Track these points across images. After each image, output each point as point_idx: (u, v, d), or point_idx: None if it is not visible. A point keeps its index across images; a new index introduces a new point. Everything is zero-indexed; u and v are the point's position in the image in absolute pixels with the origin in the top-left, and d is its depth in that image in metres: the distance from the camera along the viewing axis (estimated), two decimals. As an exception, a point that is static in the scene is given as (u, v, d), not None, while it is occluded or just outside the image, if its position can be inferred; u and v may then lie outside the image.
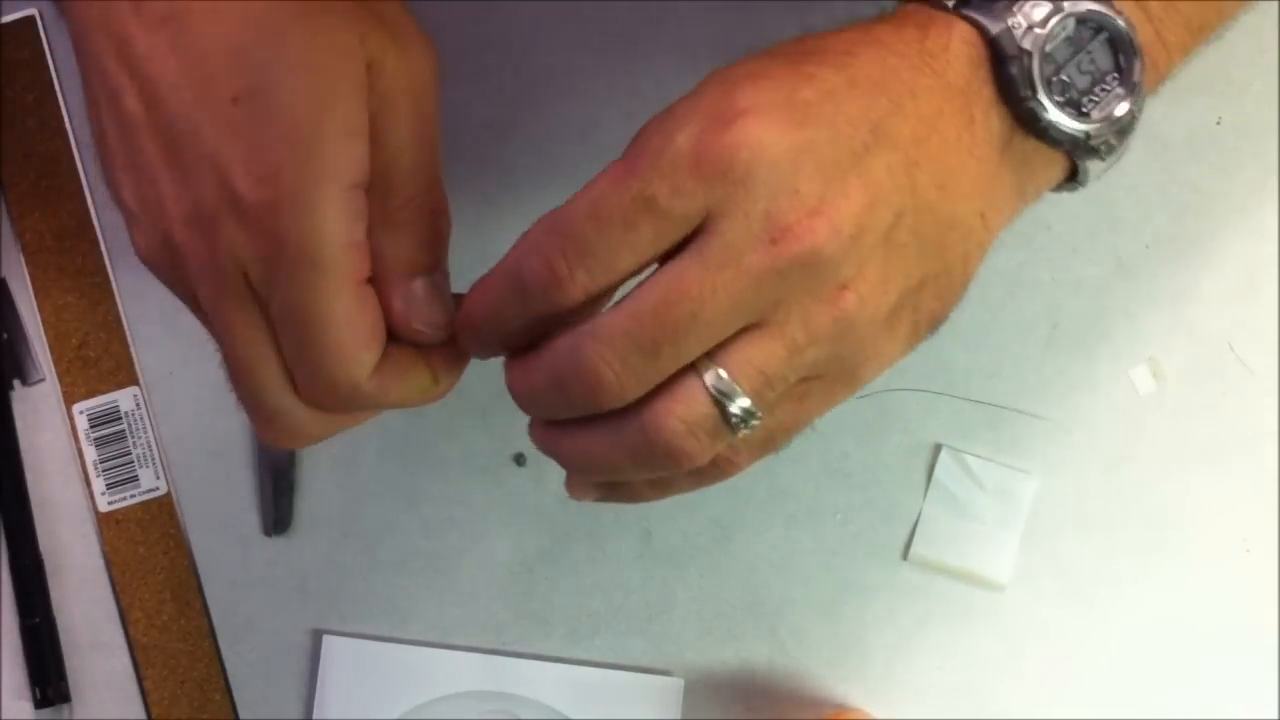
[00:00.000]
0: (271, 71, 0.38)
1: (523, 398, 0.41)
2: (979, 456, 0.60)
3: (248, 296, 0.39)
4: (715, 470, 0.41)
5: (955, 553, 0.60)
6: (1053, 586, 0.60)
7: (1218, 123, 0.61)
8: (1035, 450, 0.60)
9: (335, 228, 0.38)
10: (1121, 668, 0.60)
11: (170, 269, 0.41)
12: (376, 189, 0.40)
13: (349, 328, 0.39)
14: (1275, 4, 0.60)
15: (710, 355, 0.38)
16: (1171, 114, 0.60)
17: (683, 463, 0.39)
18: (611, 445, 0.40)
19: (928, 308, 0.41)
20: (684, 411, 0.38)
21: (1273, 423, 0.60)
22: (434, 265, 0.42)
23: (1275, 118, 0.60)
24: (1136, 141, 0.61)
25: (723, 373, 0.38)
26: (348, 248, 0.39)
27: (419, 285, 0.41)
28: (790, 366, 0.38)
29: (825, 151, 0.37)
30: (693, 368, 0.38)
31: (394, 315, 0.41)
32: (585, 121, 0.60)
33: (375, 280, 0.41)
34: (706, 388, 0.38)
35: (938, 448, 0.60)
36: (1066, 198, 0.60)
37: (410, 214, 0.41)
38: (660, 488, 0.43)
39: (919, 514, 0.60)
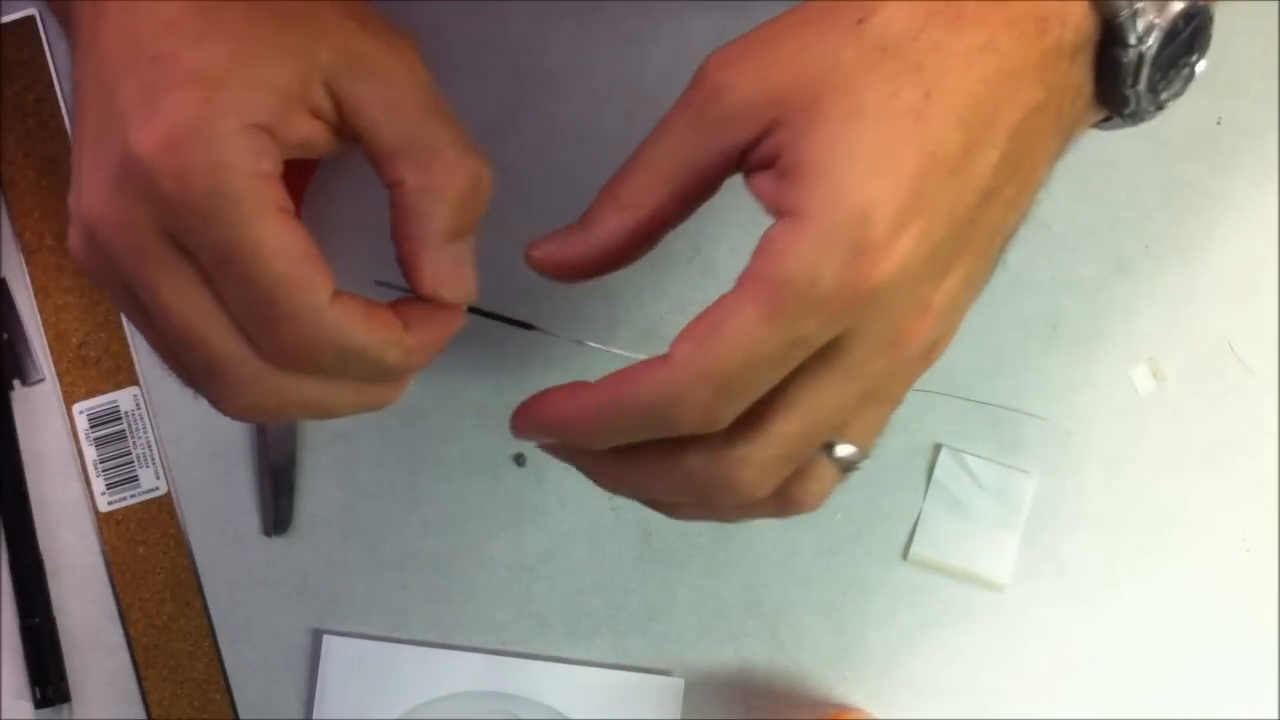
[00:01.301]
0: (196, 36, 0.38)
1: (630, 493, 0.42)
2: (979, 456, 0.60)
3: (170, 255, 0.39)
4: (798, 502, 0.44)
5: (955, 553, 0.60)
6: (1053, 586, 0.60)
7: (1218, 123, 0.61)
8: (1035, 450, 0.60)
9: (236, 158, 0.37)
10: (1121, 668, 0.60)
11: (96, 258, 0.40)
12: (412, 152, 0.40)
13: (285, 253, 0.38)
14: (1275, 4, 0.60)
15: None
16: (1171, 114, 0.60)
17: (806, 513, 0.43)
18: (740, 514, 0.43)
19: (981, 291, 0.43)
20: (819, 488, 0.42)
21: (1273, 423, 0.60)
22: (468, 232, 0.42)
23: (1275, 118, 0.60)
24: (1136, 141, 0.61)
25: (844, 444, 0.41)
26: (255, 177, 0.38)
27: (453, 250, 0.41)
28: (889, 410, 0.42)
29: (945, 249, 0.38)
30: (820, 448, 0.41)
31: (421, 278, 0.41)
32: (585, 121, 0.60)
33: (407, 247, 0.41)
34: (834, 461, 0.41)
35: (938, 448, 0.60)
36: (1066, 198, 0.60)
37: (447, 175, 0.41)
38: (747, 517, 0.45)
39: (919, 514, 0.60)
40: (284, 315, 0.38)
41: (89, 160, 0.39)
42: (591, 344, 0.45)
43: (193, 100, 0.37)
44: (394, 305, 0.42)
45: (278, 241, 0.38)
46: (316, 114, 0.40)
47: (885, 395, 0.41)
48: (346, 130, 0.41)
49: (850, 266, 0.36)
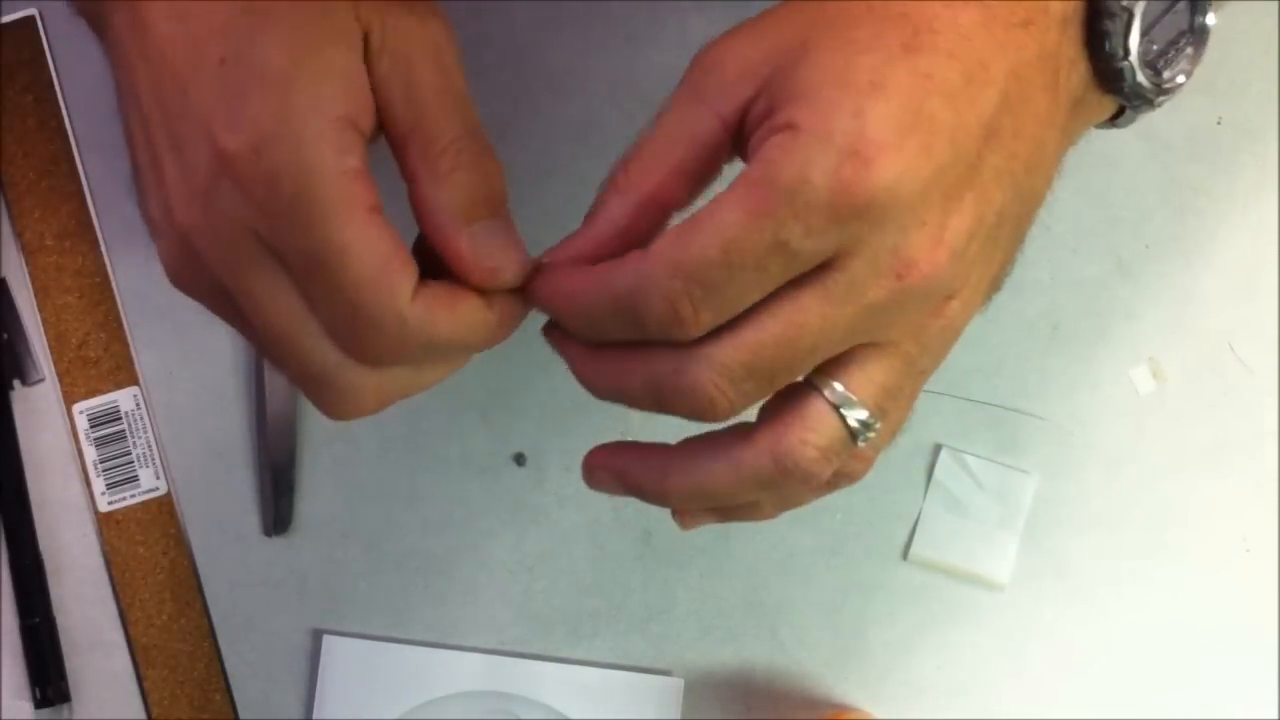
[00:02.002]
0: (252, 34, 0.38)
1: (603, 390, 0.41)
2: (979, 456, 0.60)
3: (266, 262, 0.38)
4: (845, 479, 0.42)
5: (955, 553, 0.60)
6: (1053, 586, 0.60)
7: (1218, 123, 0.61)
8: (1035, 450, 0.60)
9: (322, 158, 0.37)
10: (1121, 668, 0.60)
11: (192, 269, 0.40)
12: (415, 140, 0.40)
13: (369, 254, 0.38)
14: (1275, 4, 0.60)
15: (826, 372, 0.39)
16: (1171, 114, 0.60)
17: (812, 482, 0.40)
18: (737, 477, 0.40)
19: (1002, 276, 0.41)
20: (817, 438, 0.39)
21: (1273, 423, 0.60)
22: (492, 212, 0.41)
23: (1275, 118, 0.60)
24: (1136, 141, 0.61)
25: (846, 391, 0.39)
26: (341, 175, 0.37)
27: (480, 228, 0.41)
28: (906, 377, 0.39)
29: (950, 174, 0.37)
30: (812, 387, 0.39)
31: (463, 260, 0.40)
32: (585, 121, 0.60)
33: (436, 232, 0.40)
34: (835, 410, 0.39)
35: (938, 448, 0.60)
36: (1066, 198, 0.60)
37: (454, 161, 0.40)
38: (783, 504, 0.43)
39: (919, 514, 0.60)
40: (367, 319, 0.38)
41: (173, 172, 0.39)
42: None
43: (271, 102, 0.37)
44: (476, 293, 0.41)
45: (361, 244, 0.38)
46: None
47: (897, 352, 0.39)
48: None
49: (845, 168, 0.35)
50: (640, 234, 0.40)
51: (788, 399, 0.39)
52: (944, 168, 0.36)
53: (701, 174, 0.40)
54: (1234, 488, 0.60)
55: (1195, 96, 0.61)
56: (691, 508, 0.43)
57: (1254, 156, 0.61)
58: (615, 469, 0.43)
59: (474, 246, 0.40)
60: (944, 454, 0.60)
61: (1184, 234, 0.61)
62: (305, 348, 0.39)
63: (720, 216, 0.36)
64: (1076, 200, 0.60)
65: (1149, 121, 0.58)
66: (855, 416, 0.39)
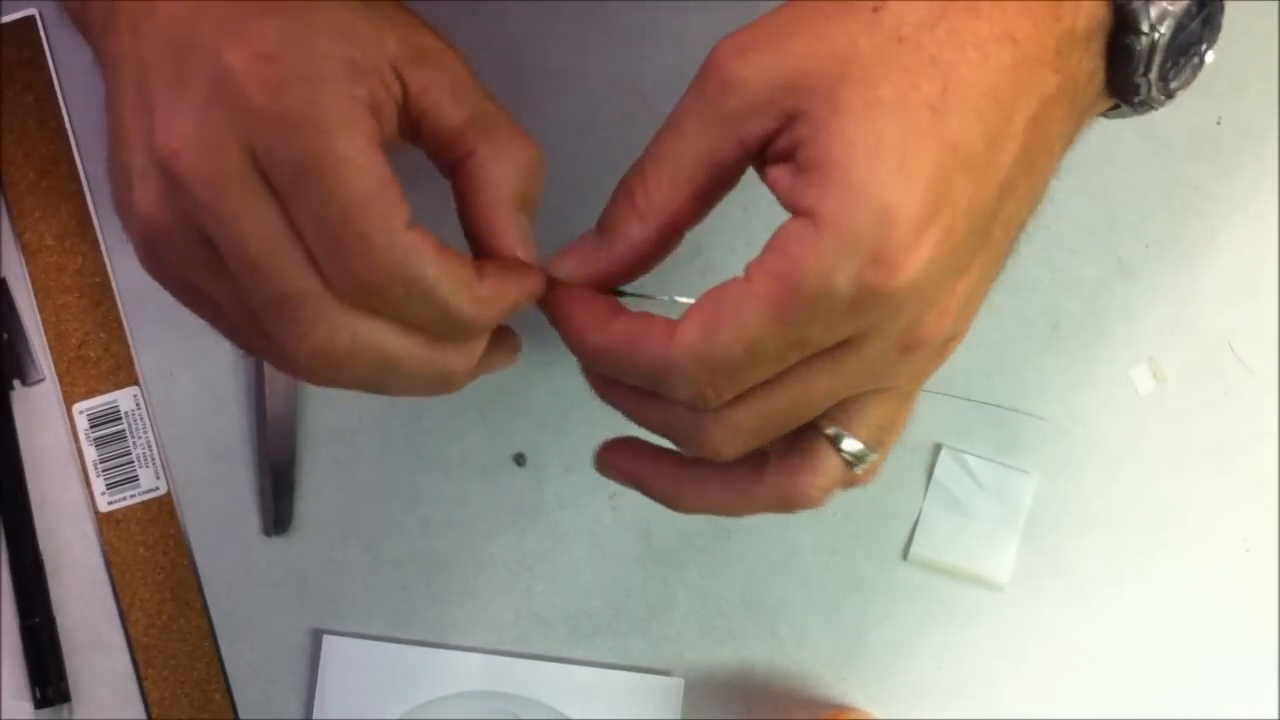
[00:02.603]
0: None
1: (613, 404, 0.42)
2: (979, 456, 0.60)
3: (253, 180, 0.37)
4: (853, 486, 0.44)
5: (955, 553, 0.60)
6: (1053, 586, 0.60)
7: (1218, 123, 0.61)
8: (1035, 450, 0.60)
9: (332, 74, 0.37)
10: (1121, 668, 0.60)
11: (171, 207, 0.38)
12: (477, 126, 0.41)
13: (367, 173, 0.37)
14: (1275, 4, 0.60)
15: (829, 415, 0.40)
16: (1171, 114, 0.60)
17: (810, 508, 0.42)
18: (745, 505, 0.42)
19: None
20: (824, 481, 0.41)
21: (1273, 423, 0.60)
22: (531, 210, 0.42)
23: (1275, 118, 0.60)
24: (1136, 141, 0.61)
25: (847, 434, 0.41)
26: (350, 98, 0.37)
27: (523, 220, 0.41)
28: (902, 409, 0.41)
29: (964, 249, 0.37)
30: (818, 432, 0.41)
31: (504, 240, 0.41)
32: (585, 121, 0.60)
33: (485, 210, 0.41)
34: (839, 454, 0.41)
35: (938, 448, 0.60)
36: (1066, 198, 0.60)
37: (518, 146, 0.41)
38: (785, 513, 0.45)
39: (919, 514, 0.60)
40: (357, 234, 0.37)
41: (164, 101, 0.38)
42: (679, 298, 0.43)
43: (288, 20, 0.37)
44: (469, 258, 0.40)
45: (362, 159, 0.37)
46: (389, 94, 0.40)
47: (897, 392, 0.41)
48: (408, 118, 0.41)
49: (868, 273, 0.35)
50: (658, 255, 0.41)
51: (795, 440, 0.41)
52: (959, 245, 0.37)
53: (720, 194, 0.40)
54: (1234, 488, 0.60)
55: (1195, 96, 0.60)
56: (700, 513, 0.45)
57: (1254, 156, 0.61)
58: (629, 473, 0.44)
59: (516, 234, 0.41)
60: (944, 454, 0.60)
61: (1184, 234, 0.61)
62: (283, 271, 0.38)
63: (744, 317, 0.36)
64: (1076, 200, 0.60)
65: (1149, 121, 0.59)
66: (853, 453, 0.41)
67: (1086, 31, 0.38)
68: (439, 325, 0.40)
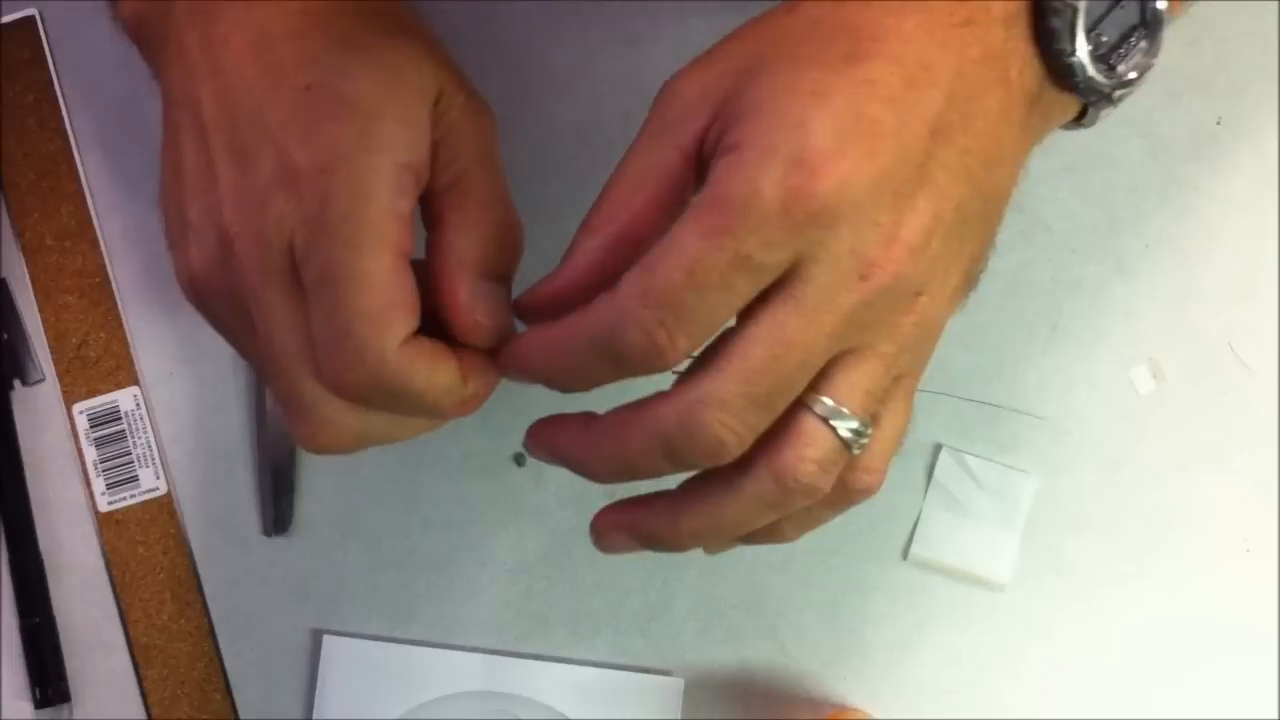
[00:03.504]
0: (345, 69, 0.40)
1: (609, 465, 0.41)
2: (979, 456, 0.60)
3: (289, 276, 0.40)
4: (861, 493, 0.43)
5: (955, 553, 0.60)
6: (1053, 586, 0.60)
7: (1218, 123, 0.61)
8: (1035, 450, 0.60)
9: (380, 191, 0.39)
10: (1121, 668, 0.60)
11: (221, 272, 0.41)
12: (455, 190, 0.42)
13: (380, 290, 0.39)
14: (1275, 4, 0.60)
15: (811, 387, 0.39)
16: (1171, 114, 0.60)
17: (814, 497, 0.40)
18: (743, 504, 0.41)
19: (975, 272, 0.42)
20: (814, 453, 0.40)
21: (1273, 423, 0.60)
22: (503, 275, 0.43)
23: (1275, 118, 0.60)
24: (1136, 141, 0.61)
25: (833, 403, 0.39)
26: (389, 214, 0.39)
27: (484, 286, 0.42)
28: (887, 377, 0.40)
29: (897, 175, 0.37)
30: (800, 405, 0.40)
31: (458, 306, 0.42)
32: (586, 121, 0.60)
33: (444, 275, 0.42)
34: (825, 423, 0.40)
35: (938, 448, 0.60)
36: (1066, 198, 0.61)
37: (482, 215, 0.43)
38: (803, 525, 0.44)
39: (919, 514, 0.60)
40: (351, 348, 0.39)
41: (229, 177, 0.41)
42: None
43: (351, 131, 0.39)
44: (455, 352, 0.42)
45: (378, 278, 0.39)
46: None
47: (878, 355, 0.40)
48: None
49: (791, 178, 0.36)
50: (613, 272, 0.40)
51: (779, 420, 0.40)
52: (890, 169, 0.37)
53: (669, 207, 0.41)
54: (1234, 488, 0.60)
55: (1195, 96, 0.61)
56: (709, 541, 0.44)
57: (1254, 156, 0.61)
58: (624, 525, 0.44)
59: (471, 298, 0.42)
60: (944, 454, 0.60)
61: (1184, 234, 0.61)
62: (295, 370, 0.41)
63: (680, 241, 0.37)
64: (1076, 200, 0.60)
65: (1149, 121, 0.59)
66: (846, 426, 0.40)
67: (1004, 13, 0.39)
68: (429, 416, 0.43)
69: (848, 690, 0.60)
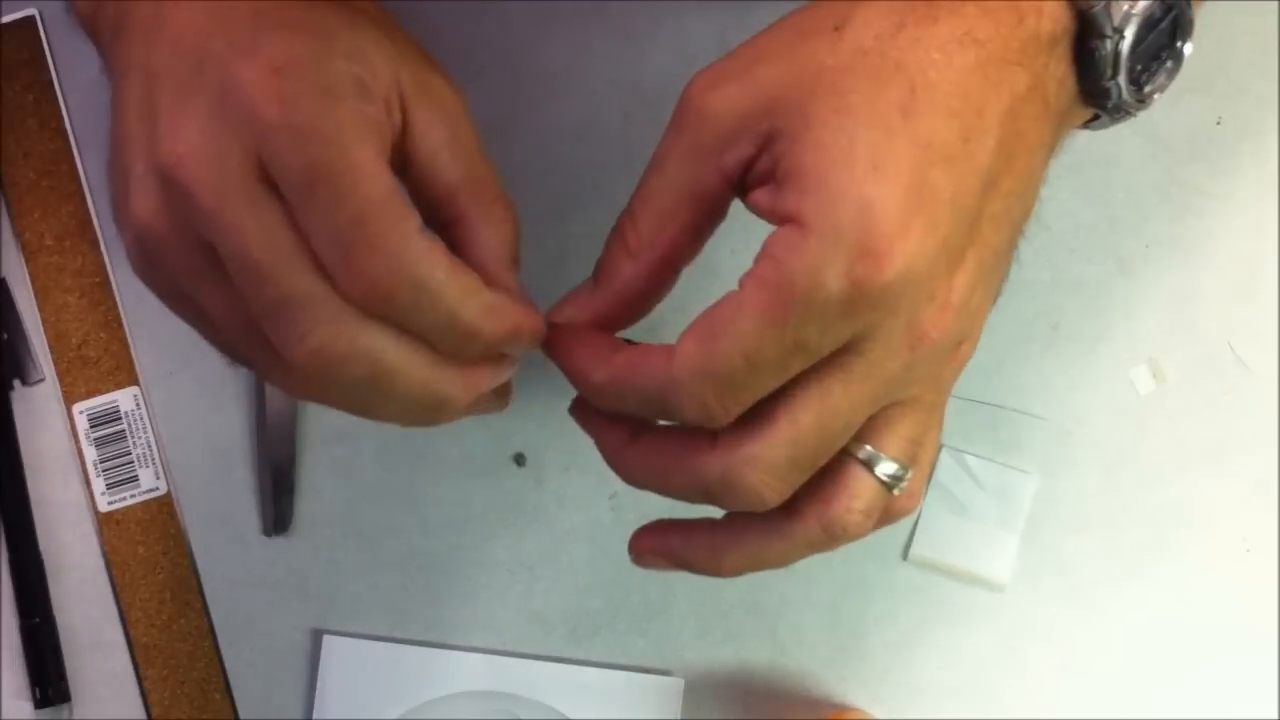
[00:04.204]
0: (297, 3, 0.38)
1: (640, 482, 0.42)
2: (979, 456, 0.60)
3: (258, 187, 0.37)
4: (898, 515, 0.44)
5: (955, 553, 0.60)
6: (1053, 586, 0.60)
7: (1218, 123, 0.61)
8: (1035, 450, 0.60)
9: (344, 91, 0.37)
10: (1121, 668, 0.60)
11: (169, 216, 0.38)
12: (468, 188, 0.41)
13: (380, 177, 0.37)
14: (1275, 4, 0.60)
15: (858, 437, 0.40)
16: (1171, 114, 0.60)
17: (858, 538, 0.42)
18: (789, 548, 0.42)
19: (1000, 290, 0.43)
20: (861, 504, 0.41)
21: (1273, 423, 0.60)
22: (517, 268, 0.43)
23: (1275, 118, 0.60)
24: (1136, 141, 0.61)
25: (879, 453, 0.41)
26: (361, 115, 0.38)
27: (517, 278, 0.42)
28: (930, 423, 0.41)
29: (953, 241, 0.38)
30: (848, 455, 0.41)
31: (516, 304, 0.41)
32: (585, 121, 0.60)
33: (488, 277, 0.41)
34: (869, 471, 0.41)
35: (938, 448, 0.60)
36: (1066, 198, 0.60)
37: (505, 211, 0.42)
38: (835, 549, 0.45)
39: (919, 514, 0.60)
40: (370, 237, 0.37)
41: (169, 109, 0.38)
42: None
43: (302, 37, 0.37)
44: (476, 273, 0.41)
45: (373, 165, 0.37)
46: (390, 122, 0.40)
47: (920, 403, 0.41)
48: (401, 152, 0.41)
49: (856, 268, 0.36)
50: (654, 293, 0.42)
51: (827, 469, 0.41)
52: (948, 237, 0.37)
53: (709, 228, 0.41)
54: (1234, 488, 0.60)
55: (1195, 96, 0.61)
56: (746, 573, 0.44)
57: (1254, 156, 0.61)
58: (664, 552, 0.45)
59: (519, 288, 0.42)
60: (944, 454, 0.60)
61: (1184, 234, 0.61)
62: (289, 274, 0.38)
63: (740, 325, 0.37)
64: (1076, 200, 0.60)
65: (1149, 121, 0.59)
66: (887, 472, 0.41)
67: (1051, 36, 0.39)
68: (445, 334, 0.39)
69: (848, 690, 0.60)
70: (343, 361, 0.38)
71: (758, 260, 0.37)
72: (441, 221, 0.42)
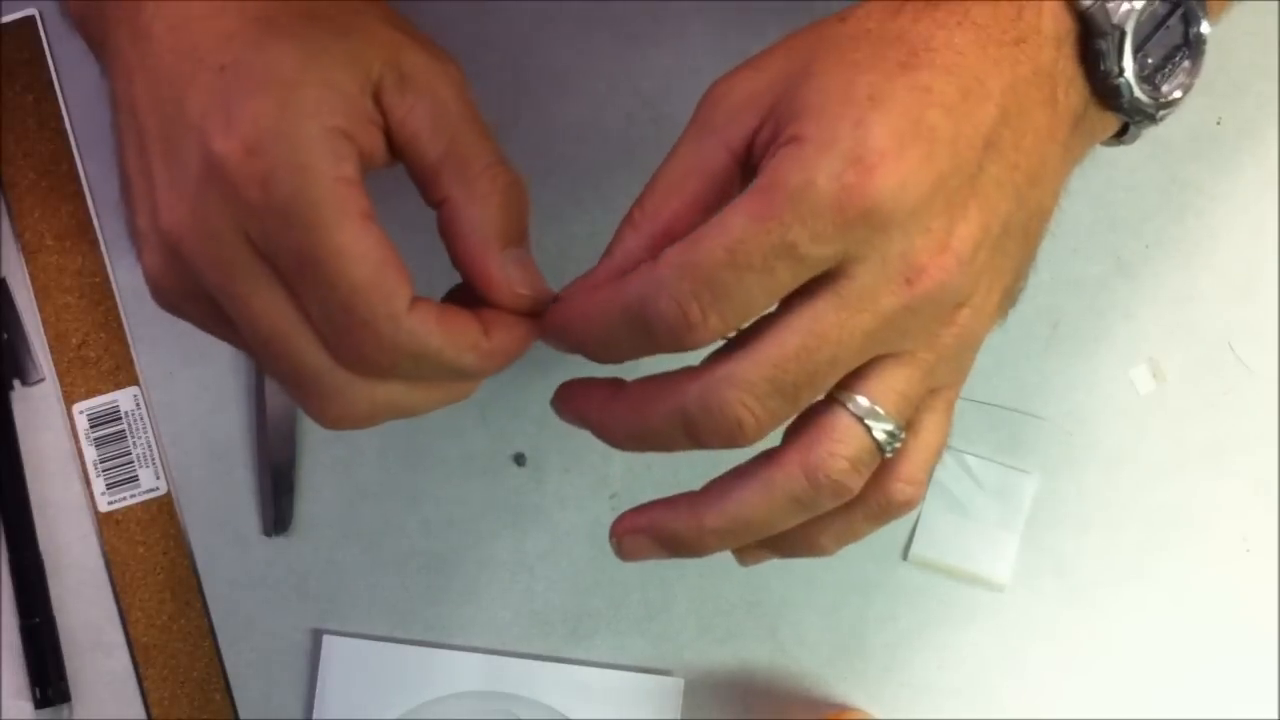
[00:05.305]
0: (259, 43, 0.38)
1: (627, 433, 0.41)
2: (979, 456, 0.60)
3: (256, 264, 0.38)
4: (901, 506, 0.42)
5: (955, 553, 0.60)
6: (1053, 586, 0.60)
7: (1218, 123, 0.61)
8: (1035, 450, 0.60)
9: (317, 161, 0.38)
10: (1121, 668, 0.60)
11: (176, 276, 0.40)
12: (450, 164, 0.41)
13: (365, 259, 0.38)
14: (1275, 4, 0.60)
15: (847, 386, 0.39)
16: (1171, 114, 0.60)
17: (844, 497, 0.40)
18: (770, 498, 0.40)
19: (1016, 291, 0.43)
20: (845, 449, 0.39)
21: (1273, 423, 0.60)
22: (520, 240, 0.42)
23: (1275, 118, 0.60)
24: (1136, 141, 0.61)
25: (867, 402, 0.39)
26: (336, 180, 0.38)
27: (514, 254, 0.41)
28: (924, 385, 0.40)
29: (951, 182, 0.38)
30: (834, 401, 0.40)
31: (494, 282, 0.41)
32: (585, 121, 0.60)
33: (471, 252, 0.41)
34: (859, 421, 0.39)
35: (938, 448, 0.60)
36: (1066, 198, 0.60)
37: (491, 184, 0.41)
38: (842, 535, 0.43)
39: (919, 514, 0.60)
40: (361, 322, 0.38)
41: (163, 177, 0.39)
42: None
43: (271, 104, 0.37)
44: (474, 311, 0.41)
45: (358, 247, 0.38)
46: (373, 124, 0.40)
47: (916, 362, 0.40)
48: (392, 144, 0.41)
49: (848, 174, 0.36)
50: None
51: (812, 415, 0.40)
52: (945, 175, 0.37)
53: (713, 206, 0.41)
54: (1234, 488, 0.60)
55: (1195, 96, 0.60)
56: (734, 544, 0.43)
57: (1254, 156, 0.61)
58: (645, 527, 0.43)
59: (504, 270, 0.41)
60: (944, 454, 0.60)
61: (1184, 234, 0.61)
62: (296, 351, 0.39)
63: (726, 220, 0.37)
64: (1076, 200, 0.60)
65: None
66: (880, 427, 0.40)
67: (1055, 34, 0.40)
68: (452, 379, 0.42)
69: (848, 690, 0.60)
70: (366, 418, 0.41)
71: (756, 177, 0.38)
72: (432, 202, 0.42)
